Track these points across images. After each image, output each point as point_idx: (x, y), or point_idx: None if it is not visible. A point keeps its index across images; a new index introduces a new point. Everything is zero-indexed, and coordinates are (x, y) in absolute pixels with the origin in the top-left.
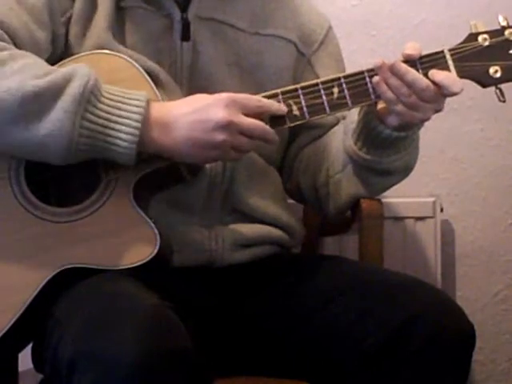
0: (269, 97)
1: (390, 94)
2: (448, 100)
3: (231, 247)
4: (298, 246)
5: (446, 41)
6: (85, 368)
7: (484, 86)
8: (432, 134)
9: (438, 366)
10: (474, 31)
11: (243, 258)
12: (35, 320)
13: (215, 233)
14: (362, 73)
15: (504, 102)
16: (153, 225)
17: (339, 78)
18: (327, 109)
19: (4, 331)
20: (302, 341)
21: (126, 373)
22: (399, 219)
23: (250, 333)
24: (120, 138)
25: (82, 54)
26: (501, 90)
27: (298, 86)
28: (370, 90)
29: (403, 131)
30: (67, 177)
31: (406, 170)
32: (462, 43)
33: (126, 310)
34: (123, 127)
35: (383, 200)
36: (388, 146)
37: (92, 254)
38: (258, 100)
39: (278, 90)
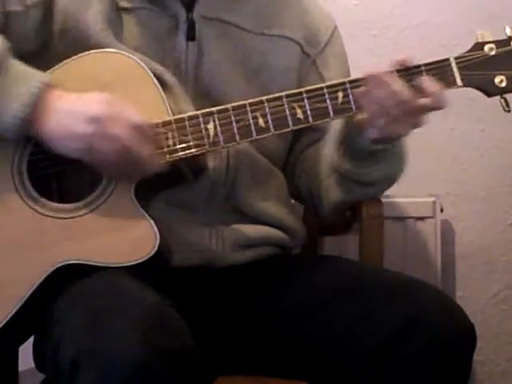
0: (273, 99)
1: (374, 107)
2: (448, 100)
3: (232, 247)
4: (298, 247)
5: (447, 41)
6: (87, 367)
7: (489, 95)
8: (432, 134)
9: (439, 366)
10: (480, 40)
11: (244, 258)
12: (34, 316)
13: (216, 233)
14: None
15: (509, 111)
16: (153, 223)
17: (344, 83)
18: (331, 113)
19: (1, 325)
20: (302, 341)
21: (129, 371)
22: (399, 219)
23: (250, 332)
24: (7, 113)
25: (88, 52)
26: (506, 100)
27: (302, 89)
28: None
29: (381, 144)
30: (69, 173)
31: (388, 181)
32: (468, 52)
33: (128, 309)
34: (14, 103)
35: (383, 200)
36: (366, 157)
37: (91, 251)
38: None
39: (283, 94)
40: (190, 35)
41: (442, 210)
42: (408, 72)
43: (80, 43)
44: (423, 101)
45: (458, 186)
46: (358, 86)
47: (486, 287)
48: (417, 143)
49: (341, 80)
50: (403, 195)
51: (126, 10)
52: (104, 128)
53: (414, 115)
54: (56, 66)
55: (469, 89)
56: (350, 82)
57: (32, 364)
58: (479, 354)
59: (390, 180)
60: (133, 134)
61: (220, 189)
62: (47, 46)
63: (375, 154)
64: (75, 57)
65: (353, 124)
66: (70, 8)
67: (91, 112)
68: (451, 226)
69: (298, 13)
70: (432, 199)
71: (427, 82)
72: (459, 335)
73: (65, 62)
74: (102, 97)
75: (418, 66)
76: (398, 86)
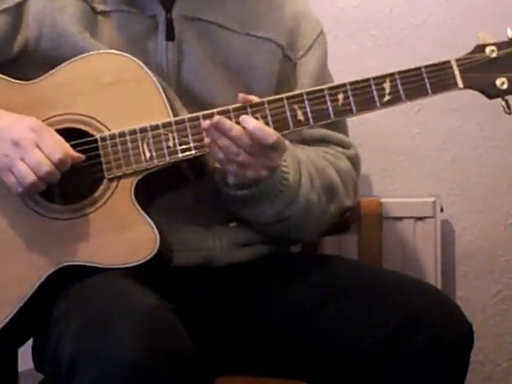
0: (273, 101)
1: (220, 155)
2: (448, 100)
3: (229, 246)
4: (296, 245)
5: (447, 41)
6: (85, 367)
7: (490, 97)
8: (432, 134)
9: (437, 366)
10: (481, 42)
11: (242, 257)
12: (34, 317)
13: (213, 232)
14: (367, 80)
15: (510, 114)
16: (153, 225)
17: (345, 85)
18: (332, 115)
19: (1, 326)
20: (301, 340)
21: (126, 373)
22: (399, 219)
23: (249, 332)
24: None
25: (90, 53)
26: (507, 102)
27: (303, 91)
28: (376, 97)
29: (241, 190)
30: (70, 175)
31: (284, 221)
32: (469, 54)
33: (126, 310)
34: None
35: (383, 200)
36: (236, 202)
37: (91, 253)
38: (61, 144)
39: (283, 95)
40: (170, 35)
41: (442, 210)
42: (245, 111)
43: (59, 47)
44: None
45: (458, 186)
46: (355, 89)
47: (486, 287)
48: (417, 143)
49: (342, 82)
50: (403, 195)
51: (103, 13)
52: (20, 153)
53: (260, 156)
54: (58, 67)
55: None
56: (351, 83)
57: (32, 364)
58: (479, 353)
59: (287, 220)
60: (45, 164)
61: (207, 190)
62: (25, 52)
63: (243, 200)
64: (76, 58)
65: (218, 172)
66: (45, 13)
67: (15, 135)
68: (451, 226)
69: (285, 16)
70: (432, 199)
71: (246, 120)
72: (457, 335)
73: (67, 62)
74: (31, 123)
75: (418, 68)
76: (236, 132)
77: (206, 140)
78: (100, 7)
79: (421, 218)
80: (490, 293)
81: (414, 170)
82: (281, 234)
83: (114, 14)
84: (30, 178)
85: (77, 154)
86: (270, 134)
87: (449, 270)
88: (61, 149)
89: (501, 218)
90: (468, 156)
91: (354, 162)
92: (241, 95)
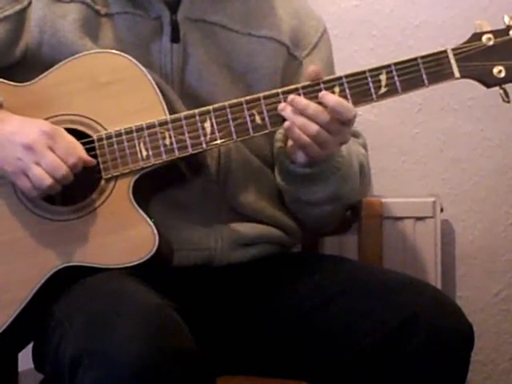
0: (269, 96)
1: (304, 139)
2: (448, 100)
3: (230, 246)
4: (297, 245)
5: (447, 41)
6: (88, 366)
7: (488, 86)
8: (432, 134)
9: (437, 366)
10: (478, 31)
11: (243, 257)
12: (35, 318)
13: (214, 232)
14: (363, 72)
15: (508, 102)
16: (152, 224)
17: (341, 78)
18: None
19: (3, 328)
20: (301, 340)
21: (130, 372)
22: (399, 219)
23: (249, 332)
24: None
25: (86, 52)
26: (505, 91)
27: (298, 85)
28: (372, 89)
29: (309, 168)
30: None
31: (337, 201)
32: (465, 43)
33: (130, 309)
34: None
35: (383, 200)
36: (300, 180)
37: (91, 253)
38: (75, 147)
39: (279, 90)
40: (175, 37)
41: (442, 210)
42: (314, 88)
43: (60, 53)
44: (337, 117)
45: (458, 186)
46: (351, 82)
47: (486, 287)
48: (417, 143)
49: (337, 75)
50: (403, 195)
51: (107, 15)
52: (35, 157)
53: (337, 134)
54: (53, 67)
55: (469, 88)
56: (346, 76)
57: (32, 364)
58: (479, 353)
59: (338, 199)
60: (61, 168)
61: (212, 188)
62: (25, 57)
63: (307, 178)
64: (71, 58)
65: (283, 150)
66: (46, 19)
67: (27, 139)
68: (451, 226)
69: (287, 15)
70: (432, 199)
71: (326, 97)
72: (457, 335)
73: (63, 62)
74: (42, 125)
75: (415, 59)
76: (312, 109)
77: (286, 124)
78: (104, 10)
79: (421, 218)
80: (490, 293)
81: (414, 169)
82: (324, 216)
83: (118, 17)
84: (48, 181)
85: (89, 158)
86: (350, 108)
87: (449, 270)
88: (75, 152)
89: (501, 218)
90: (468, 156)
91: (366, 150)
92: (311, 68)
